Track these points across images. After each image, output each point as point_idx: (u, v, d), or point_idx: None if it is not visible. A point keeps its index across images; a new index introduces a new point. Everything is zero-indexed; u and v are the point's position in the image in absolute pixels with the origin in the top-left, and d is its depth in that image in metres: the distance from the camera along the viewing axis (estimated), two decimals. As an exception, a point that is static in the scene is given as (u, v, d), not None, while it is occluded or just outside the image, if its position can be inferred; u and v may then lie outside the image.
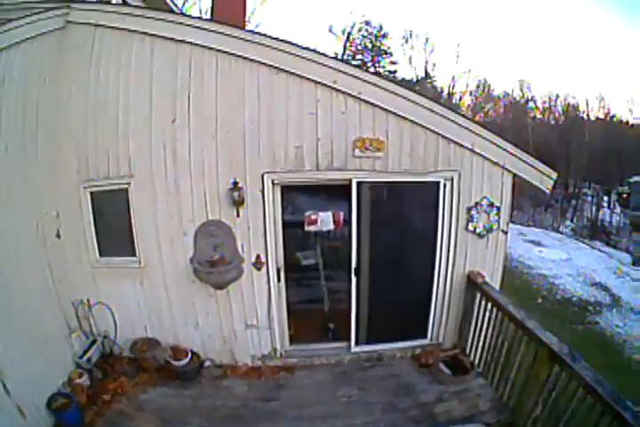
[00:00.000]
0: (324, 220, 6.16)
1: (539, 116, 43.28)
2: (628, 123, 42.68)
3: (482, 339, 5.77)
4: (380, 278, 6.00)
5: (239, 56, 5.16)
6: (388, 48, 39.25)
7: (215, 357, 6.04)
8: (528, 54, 70.63)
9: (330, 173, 5.48)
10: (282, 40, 5.13)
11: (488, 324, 5.59)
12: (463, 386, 5.59)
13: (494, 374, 5.45)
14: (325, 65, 5.18)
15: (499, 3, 67.87)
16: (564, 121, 41.10)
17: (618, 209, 33.35)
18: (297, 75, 5.21)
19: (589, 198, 35.79)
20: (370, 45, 38.38)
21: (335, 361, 6.18)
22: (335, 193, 6.14)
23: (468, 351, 6.05)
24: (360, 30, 38.17)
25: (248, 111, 5.27)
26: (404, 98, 5.34)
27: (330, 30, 38.61)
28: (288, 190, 5.72)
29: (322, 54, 5.27)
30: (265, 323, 5.95)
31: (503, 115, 43.29)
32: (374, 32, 38.24)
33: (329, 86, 5.25)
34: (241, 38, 5.10)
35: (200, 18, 5.40)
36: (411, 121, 5.43)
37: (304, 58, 5.15)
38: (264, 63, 5.16)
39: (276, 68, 5.18)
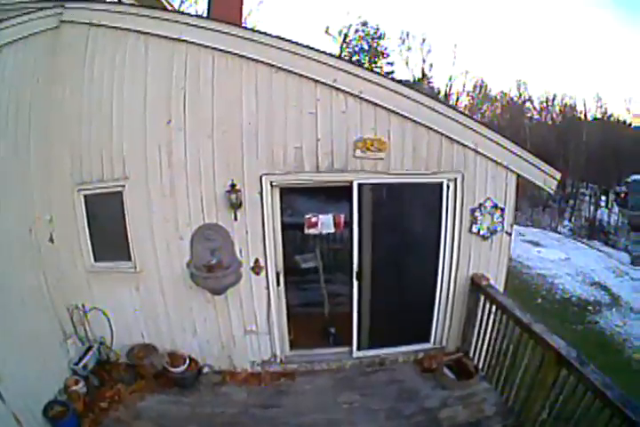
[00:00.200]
0: (324, 222, 6.04)
1: (536, 116, 43.49)
2: (625, 122, 42.93)
3: (486, 342, 5.68)
4: (382, 282, 5.91)
5: (236, 54, 5.05)
6: (385, 49, 39.36)
7: (214, 363, 5.93)
8: (525, 54, 71.43)
9: (330, 174, 5.37)
10: (280, 38, 5.01)
11: (492, 327, 5.51)
12: (468, 391, 5.51)
13: (499, 378, 5.38)
14: (325, 63, 5.08)
15: (496, 3, 68.09)
16: (562, 121, 41.29)
17: (616, 209, 33.52)
18: (296, 73, 5.10)
19: (587, 198, 35.94)
20: (367, 46, 38.42)
21: (336, 367, 6.09)
22: (335, 195, 6.08)
23: (471, 355, 5.96)
24: (357, 31, 38.25)
25: (245, 111, 5.16)
26: (407, 97, 5.24)
27: (327, 31, 38.56)
28: (287, 192, 5.62)
29: (321, 52, 5.15)
30: (264, 328, 5.85)
31: (500, 115, 43.38)
32: (371, 33, 38.29)
33: (329, 85, 5.14)
34: (239, 36, 4.99)
35: (196, 15, 5.28)
36: (413, 121, 5.33)
37: (303, 56, 5.04)
38: (262, 62, 5.05)
39: (274, 66, 5.07)
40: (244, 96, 5.15)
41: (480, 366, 5.80)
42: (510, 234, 5.98)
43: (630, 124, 43.33)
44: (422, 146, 5.45)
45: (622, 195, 34.69)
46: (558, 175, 5.84)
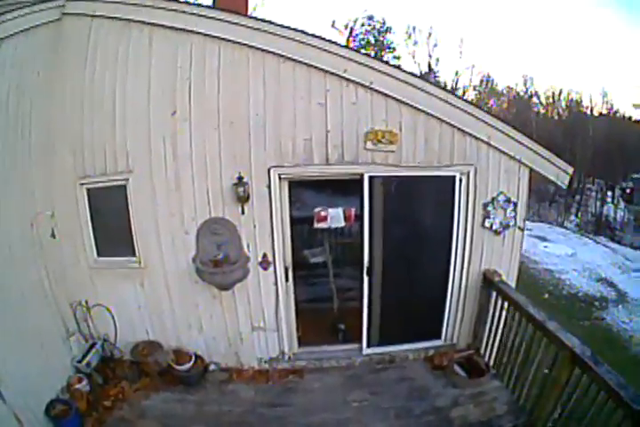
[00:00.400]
0: (334, 216, 5.96)
1: (542, 111, 43.35)
2: (631, 118, 42.96)
3: (497, 340, 5.63)
4: (393, 277, 5.81)
5: (244, 44, 4.96)
6: (391, 43, 39.06)
7: (220, 360, 5.87)
8: (531, 49, 71.07)
9: (340, 166, 5.27)
10: (289, 27, 4.92)
11: (505, 324, 5.45)
12: (479, 389, 5.42)
13: (510, 376, 5.31)
14: (335, 53, 4.97)
15: (501, -2, 67.76)
16: (568, 116, 41.24)
17: (622, 204, 33.46)
18: (305, 63, 5.01)
19: (593, 194, 35.88)
20: (373, 40, 38.09)
21: (346, 364, 6.00)
22: (344, 188, 6.00)
23: (482, 352, 5.89)
24: (363, 25, 37.92)
25: (253, 102, 5.07)
26: (419, 88, 5.15)
27: (333, 25, 38.30)
28: (296, 186, 5.54)
29: (331, 42, 5.07)
30: (272, 325, 5.77)
31: (507, 110, 43.23)
32: (377, 27, 38.00)
33: (339, 76, 5.04)
34: (246, 26, 4.89)
35: (201, 5, 5.18)
36: (425, 112, 5.23)
37: (312, 46, 4.94)
38: (270, 51, 4.96)
39: (282, 56, 4.98)
40: (252, 87, 5.06)
41: (491, 363, 5.73)
42: (523, 229, 5.90)
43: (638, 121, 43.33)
44: (434, 138, 5.35)
45: (628, 191, 34.68)
46: (571, 170, 5.78)
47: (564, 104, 42.79)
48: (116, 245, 5.57)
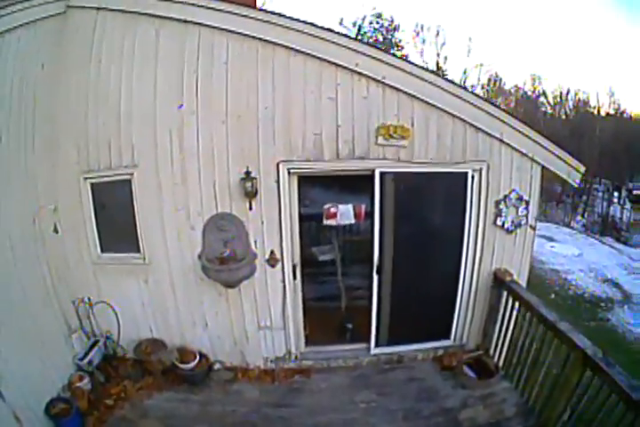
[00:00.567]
0: (343, 213, 5.83)
1: (549, 110, 43.40)
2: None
3: (507, 340, 5.58)
4: (403, 276, 5.73)
5: (253, 37, 4.87)
6: (400, 41, 39.00)
7: (225, 359, 5.80)
8: (539, 48, 71.15)
9: (351, 162, 5.18)
10: (299, 20, 4.83)
11: (515, 324, 5.40)
12: (488, 390, 5.35)
13: (520, 377, 5.26)
14: (346, 47, 4.88)
15: (509, -3, 67.63)
16: (575, 116, 41.23)
17: (628, 205, 33.47)
18: (316, 57, 4.91)
19: (600, 194, 35.89)
20: (381, 38, 38.01)
21: (354, 364, 5.93)
22: (354, 185, 5.92)
23: (491, 353, 5.82)
24: (371, 23, 37.85)
25: (262, 95, 4.98)
26: (432, 83, 5.06)
27: (341, 23, 38.21)
28: (304, 182, 5.44)
29: (343, 35, 5.01)
30: (279, 323, 5.70)
31: (514, 109, 43.19)
32: (385, 25, 37.92)
33: (350, 69, 4.95)
34: (257, 19, 4.81)
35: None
36: (437, 108, 5.15)
37: (323, 39, 4.85)
38: (280, 44, 4.87)
39: (292, 49, 4.89)
40: (261, 80, 4.97)
41: (500, 364, 5.66)
42: (535, 228, 5.83)
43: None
44: (447, 134, 5.27)
45: (634, 191, 34.68)
46: (583, 168, 5.71)
47: (571, 104, 42.89)
48: (119, 241, 5.52)
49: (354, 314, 6.48)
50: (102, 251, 5.54)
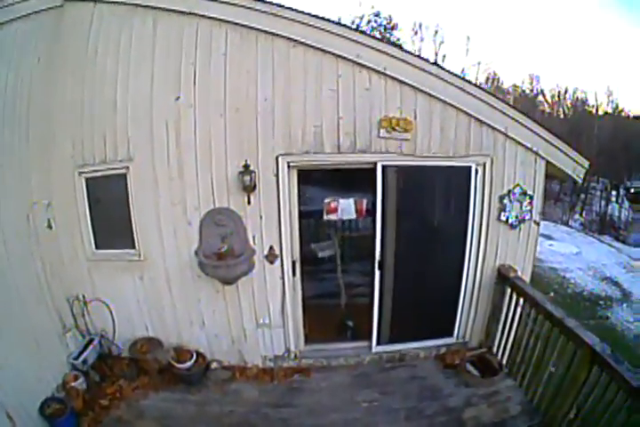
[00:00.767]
0: (344, 208, 5.78)
1: (547, 109, 43.71)
2: (637, 118, 43.33)
3: (511, 337, 5.51)
4: (406, 272, 5.67)
5: (251, 28, 4.81)
6: (398, 40, 39.05)
7: (222, 358, 5.73)
8: (537, 48, 71.71)
9: (352, 155, 5.11)
10: (299, 11, 4.77)
11: (519, 321, 5.35)
12: (492, 388, 5.29)
13: (524, 375, 5.19)
14: (347, 37, 4.82)
15: (508, -4, 68.05)
16: (573, 115, 41.52)
17: (626, 204, 33.66)
18: (316, 48, 4.85)
19: (598, 193, 36.07)
20: (379, 37, 38.14)
21: (354, 362, 5.87)
22: (355, 181, 5.88)
23: (494, 351, 5.77)
24: (369, 22, 37.88)
25: (261, 87, 4.91)
26: (435, 75, 5.00)
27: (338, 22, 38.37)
28: (305, 175, 5.37)
29: (343, 26, 4.99)
30: (278, 321, 5.64)
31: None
32: (384, 24, 37.98)
33: (351, 61, 4.89)
34: (256, 9, 4.73)
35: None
36: (441, 100, 5.08)
37: (324, 30, 4.78)
38: (279, 35, 4.81)
39: (292, 40, 4.83)
40: (260, 71, 4.90)
41: (504, 362, 5.62)
42: (538, 223, 5.78)
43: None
44: (450, 127, 5.21)
45: (632, 190, 34.86)
46: (587, 164, 5.69)
47: (569, 103, 43.08)
48: (114, 237, 5.46)
49: (354, 311, 6.43)
50: (97, 247, 5.45)
